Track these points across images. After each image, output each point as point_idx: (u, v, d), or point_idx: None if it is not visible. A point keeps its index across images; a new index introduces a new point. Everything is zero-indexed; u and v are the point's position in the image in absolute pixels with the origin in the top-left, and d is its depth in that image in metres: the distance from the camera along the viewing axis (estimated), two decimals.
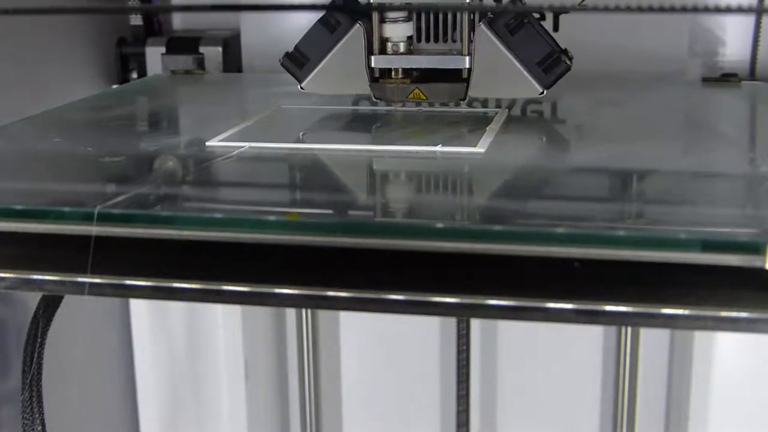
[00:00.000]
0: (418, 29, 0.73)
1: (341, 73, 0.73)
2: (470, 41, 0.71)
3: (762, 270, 0.44)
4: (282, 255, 0.49)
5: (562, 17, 0.95)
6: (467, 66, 0.71)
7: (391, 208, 0.56)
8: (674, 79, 0.94)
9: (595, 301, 0.46)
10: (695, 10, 0.49)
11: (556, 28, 0.95)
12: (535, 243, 0.46)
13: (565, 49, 0.71)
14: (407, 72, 0.73)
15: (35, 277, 0.51)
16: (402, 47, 0.72)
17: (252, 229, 0.49)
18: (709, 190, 0.58)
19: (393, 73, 0.73)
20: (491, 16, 0.70)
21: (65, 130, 0.76)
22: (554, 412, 1.13)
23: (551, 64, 0.70)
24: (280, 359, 1.18)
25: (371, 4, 0.71)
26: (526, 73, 0.70)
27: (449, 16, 0.72)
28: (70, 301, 0.67)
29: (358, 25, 0.72)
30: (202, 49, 1.06)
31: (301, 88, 0.74)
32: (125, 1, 1.12)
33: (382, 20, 0.71)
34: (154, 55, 1.08)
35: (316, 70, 0.73)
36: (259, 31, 1.03)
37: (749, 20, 0.96)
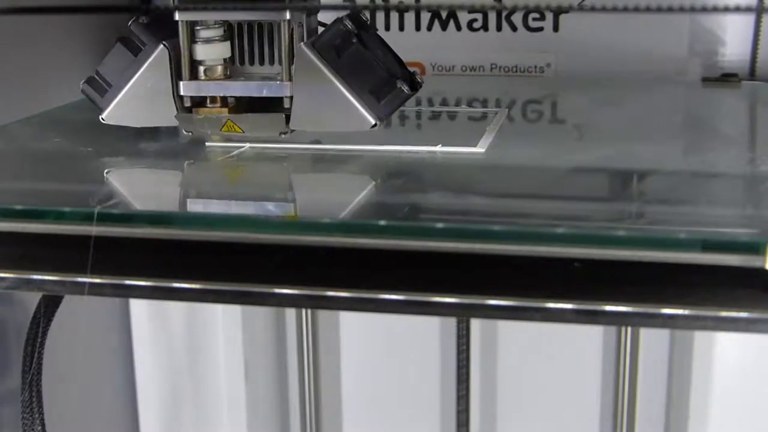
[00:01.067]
0: (240, 49, 0.63)
1: (146, 101, 0.62)
2: (291, 63, 0.60)
3: (762, 270, 0.44)
4: (282, 255, 0.49)
5: (562, 17, 0.95)
6: (288, 94, 0.60)
7: (390, 208, 0.56)
8: (674, 79, 0.94)
9: (595, 301, 0.46)
10: (695, 10, 0.49)
11: (556, 28, 0.95)
12: (535, 243, 0.46)
13: (413, 73, 0.62)
14: (225, 100, 0.62)
15: (35, 277, 0.51)
16: (219, 71, 0.61)
17: (252, 229, 0.49)
18: (709, 190, 0.58)
19: (209, 102, 0.62)
20: (315, 34, 0.61)
21: (65, 130, 0.76)
22: (554, 412, 1.13)
23: (386, 91, 0.60)
24: (280, 359, 1.18)
25: (175, 6, 0.60)
26: (356, 103, 0.59)
27: (275, 33, 0.62)
28: (70, 301, 0.67)
29: (162, 45, 0.61)
30: None
31: (102, 119, 0.65)
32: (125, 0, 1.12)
33: (194, 40, 0.61)
34: None
35: (117, 99, 0.63)
36: None
37: (749, 20, 0.96)
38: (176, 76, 0.61)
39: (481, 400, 1.14)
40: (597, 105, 0.83)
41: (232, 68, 0.63)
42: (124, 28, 1.12)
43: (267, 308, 1.12)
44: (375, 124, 0.60)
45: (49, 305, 0.69)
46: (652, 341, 1.07)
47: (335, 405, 1.18)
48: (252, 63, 0.63)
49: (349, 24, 0.59)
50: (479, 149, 0.64)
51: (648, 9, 0.51)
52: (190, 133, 0.64)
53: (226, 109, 0.62)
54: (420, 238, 0.47)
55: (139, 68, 0.62)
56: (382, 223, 0.48)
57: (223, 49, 0.61)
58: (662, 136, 0.72)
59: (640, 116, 0.78)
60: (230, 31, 0.62)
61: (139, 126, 0.65)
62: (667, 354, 1.07)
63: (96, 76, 0.64)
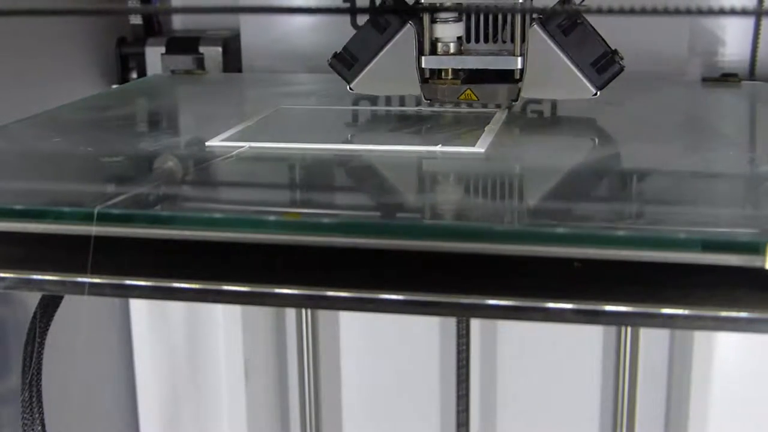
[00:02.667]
0: (468, 29, 0.73)
1: (391, 73, 0.72)
2: (522, 42, 0.70)
3: (762, 270, 0.44)
4: (282, 255, 0.49)
5: None
6: (520, 66, 0.71)
7: (390, 208, 0.56)
8: (674, 79, 0.94)
9: (594, 301, 0.46)
10: (695, 12, 0.49)
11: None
12: (535, 243, 0.46)
13: (616, 50, 0.71)
14: (456, 72, 0.72)
15: (35, 277, 0.51)
16: (452, 48, 0.71)
17: (252, 229, 0.49)
18: (709, 190, 0.58)
19: (443, 74, 0.72)
20: (544, 16, 0.70)
21: (65, 130, 0.76)
22: (554, 412, 1.13)
23: (605, 64, 0.70)
24: (280, 359, 1.18)
25: (421, 3, 0.71)
26: (579, 74, 0.69)
27: (500, 17, 0.72)
28: (70, 301, 0.67)
29: (409, 25, 0.71)
30: (202, 49, 1.06)
31: (350, 88, 0.74)
32: (125, 1, 1.12)
33: (433, 20, 0.71)
34: (154, 55, 1.08)
35: (365, 71, 0.73)
36: (258, 31, 1.03)
37: (749, 20, 0.96)
38: (419, 52, 0.71)
39: (481, 400, 1.14)
40: (597, 104, 0.83)
41: (464, 46, 0.73)
42: (124, 28, 1.12)
43: (267, 308, 1.12)
44: (596, 93, 0.70)
45: (49, 305, 0.69)
46: (652, 341, 1.07)
47: (335, 405, 1.18)
48: (477, 41, 0.73)
49: (576, 2, 0.71)
50: (479, 149, 0.64)
51: (648, 11, 0.51)
52: (429, 101, 0.74)
53: (459, 81, 0.72)
54: (420, 238, 0.47)
55: (386, 44, 0.71)
56: (382, 223, 0.48)
57: (458, 29, 0.71)
58: (663, 135, 0.72)
59: (640, 116, 0.78)
60: (461, 13, 0.71)
61: (383, 95, 0.75)
62: (667, 354, 1.07)
63: (343, 52, 0.73)
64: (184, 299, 0.51)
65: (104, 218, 0.50)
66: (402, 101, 0.78)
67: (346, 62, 0.73)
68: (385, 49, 0.72)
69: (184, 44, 1.08)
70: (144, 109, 0.92)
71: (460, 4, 0.70)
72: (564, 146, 0.71)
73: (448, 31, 0.71)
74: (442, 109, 0.77)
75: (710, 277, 0.45)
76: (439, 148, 0.64)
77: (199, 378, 1.13)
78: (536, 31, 0.69)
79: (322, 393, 1.15)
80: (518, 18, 0.70)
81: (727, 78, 0.92)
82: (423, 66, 0.72)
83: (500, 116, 0.74)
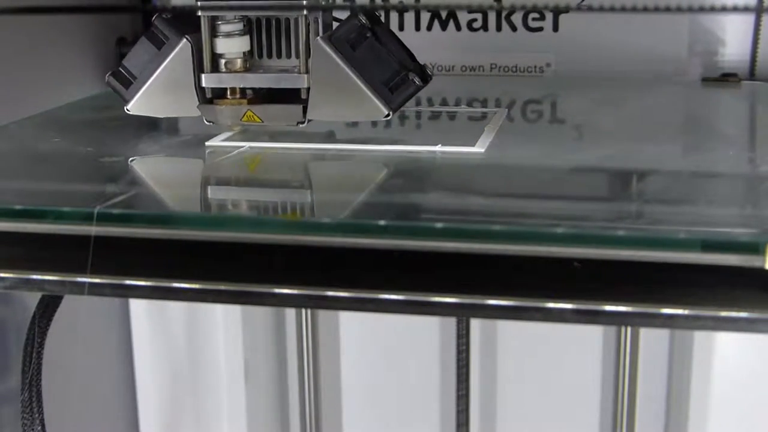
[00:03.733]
0: (260, 42, 0.66)
1: (170, 93, 0.66)
2: (308, 57, 0.63)
3: (762, 270, 0.44)
4: (282, 255, 0.49)
5: (562, 17, 0.95)
6: (305, 85, 0.63)
7: (389, 208, 0.56)
8: (674, 79, 0.94)
9: (594, 301, 0.46)
10: (695, 10, 0.49)
11: (555, 28, 0.95)
12: (535, 243, 0.46)
13: (423, 66, 0.65)
14: (244, 92, 0.65)
15: (35, 277, 0.51)
16: (239, 64, 0.64)
17: (252, 229, 0.49)
18: (709, 190, 0.58)
19: (229, 93, 0.65)
20: (331, 28, 0.64)
21: (65, 130, 0.76)
22: (554, 412, 1.13)
23: (398, 83, 0.63)
24: (280, 359, 1.18)
25: (198, 7, 0.63)
26: (370, 94, 0.63)
27: (291, 28, 0.65)
28: (70, 301, 0.67)
29: (185, 40, 0.64)
30: None
31: (127, 110, 0.67)
32: (125, 0, 1.12)
33: (214, 34, 0.64)
34: None
35: (142, 91, 0.66)
36: None
37: (749, 20, 0.96)
38: (198, 69, 0.65)
39: (481, 400, 1.14)
40: (597, 105, 0.83)
41: (251, 61, 0.66)
42: (123, 28, 1.12)
43: (267, 308, 1.12)
44: (388, 114, 0.63)
45: (49, 305, 0.69)
46: (652, 341, 1.07)
47: (335, 405, 1.18)
48: (270, 56, 0.66)
49: (363, 19, 0.62)
50: (479, 149, 0.64)
51: (648, 9, 0.51)
52: (212, 123, 0.66)
53: (245, 101, 0.65)
54: (420, 238, 0.47)
55: (162, 61, 0.65)
56: (382, 223, 0.48)
57: (242, 43, 0.64)
58: (662, 135, 0.72)
59: (640, 116, 0.78)
60: (249, 26, 0.65)
61: (162, 116, 0.68)
62: (667, 354, 1.07)
63: (121, 69, 0.67)
64: (184, 299, 0.51)
65: (104, 218, 0.50)
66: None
67: (125, 80, 0.67)
68: (162, 67, 0.65)
69: None
70: None
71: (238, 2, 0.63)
72: (564, 146, 0.71)
73: (232, 45, 0.64)
74: (442, 109, 0.77)
75: (710, 277, 0.45)
76: (438, 148, 0.64)
77: (199, 378, 1.13)
78: (320, 45, 0.62)
79: (322, 393, 1.15)
80: (302, 28, 0.63)
81: (727, 78, 0.92)
82: (202, 85, 0.65)
83: (500, 116, 0.74)
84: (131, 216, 0.50)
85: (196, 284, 0.49)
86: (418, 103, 0.78)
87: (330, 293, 0.48)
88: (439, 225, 0.48)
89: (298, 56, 0.64)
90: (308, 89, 0.64)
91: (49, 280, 0.51)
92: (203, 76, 0.65)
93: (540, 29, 0.96)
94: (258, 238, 0.49)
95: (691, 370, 0.98)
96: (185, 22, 0.65)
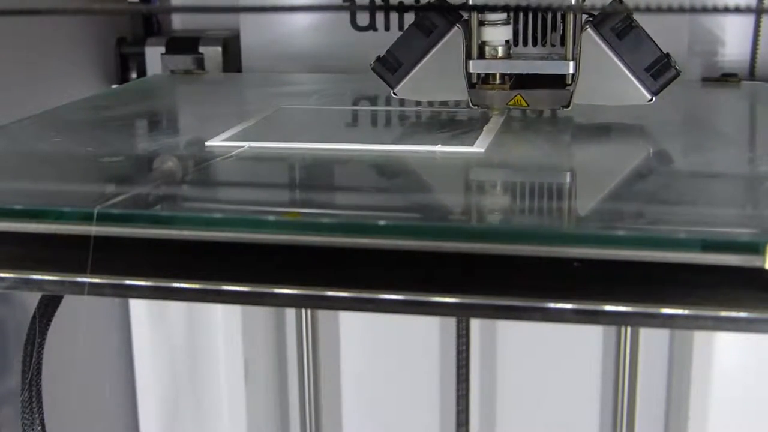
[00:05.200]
0: (516, 32, 0.70)
1: (436, 78, 0.70)
2: (574, 45, 0.67)
3: (762, 270, 0.44)
4: (282, 255, 0.49)
5: None
6: (572, 71, 0.68)
7: (390, 208, 0.56)
8: None
9: (594, 301, 0.46)
10: (695, 10, 0.49)
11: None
12: (535, 243, 0.46)
13: (668, 54, 0.69)
14: (503, 77, 0.70)
15: (35, 277, 0.51)
16: (500, 51, 0.68)
17: (252, 229, 0.49)
18: (709, 190, 0.58)
19: (490, 79, 0.69)
20: (595, 19, 0.67)
21: (65, 130, 0.76)
22: (554, 412, 1.13)
23: (660, 69, 0.67)
24: (280, 359, 1.18)
25: (469, 3, 0.68)
26: (634, 80, 0.67)
27: (549, 19, 0.70)
28: (70, 301, 0.67)
29: (456, 27, 0.68)
30: (201, 49, 1.07)
31: (394, 93, 0.71)
32: (125, 1, 1.12)
33: (481, 23, 0.68)
34: (154, 55, 1.08)
35: (409, 76, 0.70)
36: (258, 31, 1.03)
37: (749, 20, 0.96)
38: (466, 56, 0.68)
39: (481, 400, 1.14)
40: (597, 105, 0.83)
41: (512, 49, 0.70)
42: (124, 28, 1.12)
43: (267, 308, 1.12)
44: (651, 99, 0.67)
45: (49, 305, 0.69)
46: (652, 341, 1.07)
47: (335, 405, 1.18)
48: (525, 44, 0.72)
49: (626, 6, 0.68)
50: (479, 149, 0.64)
51: (648, 9, 0.51)
52: (477, 107, 0.70)
53: (507, 86, 0.69)
54: (420, 238, 0.47)
55: (432, 47, 0.69)
56: (382, 223, 0.48)
57: (506, 32, 0.68)
58: (662, 135, 0.72)
59: (639, 116, 0.78)
60: (510, 16, 0.69)
61: (427, 100, 0.72)
62: (667, 354, 1.07)
63: (387, 55, 0.70)
64: (184, 299, 0.51)
65: (104, 218, 0.50)
66: (402, 101, 0.77)
67: (390, 66, 0.70)
68: (431, 53, 0.69)
69: (183, 44, 1.08)
70: (144, 109, 0.92)
71: (508, 5, 0.66)
72: (564, 146, 0.71)
73: (497, 34, 0.68)
74: (442, 109, 0.77)
75: (710, 277, 0.45)
76: (438, 148, 0.64)
77: (198, 378, 1.13)
78: (589, 35, 0.67)
79: (322, 393, 1.15)
80: (570, 20, 0.67)
81: (727, 78, 0.92)
82: (470, 70, 0.69)
83: (500, 116, 0.74)
84: (131, 216, 0.50)
85: (196, 284, 0.49)
86: (417, 103, 0.78)
87: (330, 293, 0.48)
88: (439, 225, 0.48)
89: (553, 45, 0.70)
90: (573, 75, 0.67)
91: (49, 280, 0.51)
92: (470, 62, 0.68)
93: None
94: (258, 238, 0.49)
95: (691, 370, 0.98)
96: (450, 12, 0.70)
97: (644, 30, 0.67)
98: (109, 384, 1.15)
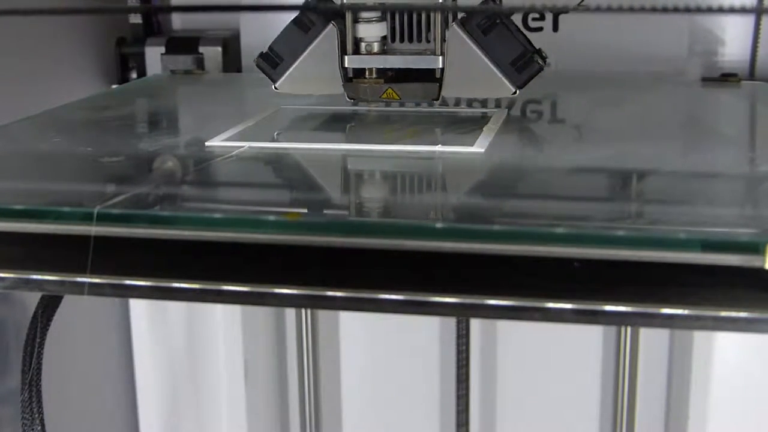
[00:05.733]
0: (393, 29, 0.73)
1: (315, 73, 0.73)
2: (443, 41, 0.71)
3: (762, 270, 0.44)
4: (282, 255, 0.49)
5: (562, 17, 0.95)
6: (440, 66, 0.71)
7: (390, 208, 0.56)
8: (674, 79, 0.94)
9: (594, 301, 0.46)
10: (695, 10, 0.49)
11: (555, 28, 0.95)
12: (535, 243, 0.46)
13: (539, 49, 0.71)
14: (381, 72, 0.73)
15: (35, 277, 0.51)
16: (376, 47, 0.72)
17: (252, 229, 0.49)
18: (709, 190, 0.58)
19: (367, 73, 0.73)
20: (464, 16, 0.70)
21: (65, 130, 0.76)
22: (554, 412, 1.13)
23: (524, 63, 0.70)
24: (280, 359, 1.18)
25: (344, 4, 0.71)
26: (498, 73, 0.70)
27: (423, 17, 0.72)
28: (70, 301, 0.67)
29: (331, 25, 0.72)
30: (201, 49, 1.07)
31: (275, 88, 0.74)
32: (125, 1, 1.12)
33: (356, 20, 0.71)
34: (154, 55, 1.08)
35: (290, 71, 0.74)
36: (258, 31, 1.03)
37: (749, 20, 0.96)
38: (342, 51, 0.72)
39: (481, 400, 1.14)
40: (597, 105, 0.83)
41: (387, 45, 0.73)
42: (124, 27, 1.12)
43: (267, 308, 1.12)
44: (515, 92, 0.70)
45: (49, 305, 0.69)
46: (652, 341, 1.07)
47: (335, 405, 1.18)
48: (402, 41, 0.74)
49: (496, 1, 0.72)
50: (479, 149, 0.64)
51: (648, 9, 0.51)
52: (353, 100, 0.74)
53: (382, 80, 0.72)
54: (420, 238, 0.47)
55: (309, 44, 0.72)
56: (382, 223, 0.48)
57: (381, 28, 0.72)
58: (662, 135, 0.72)
59: (640, 116, 0.78)
60: (385, 13, 0.72)
61: (307, 94, 0.75)
62: (667, 354, 1.07)
63: (269, 51, 0.74)
64: (184, 299, 0.51)
65: (104, 218, 0.50)
66: (401, 102, 0.77)
67: (272, 62, 0.74)
68: (309, 49, 0.73)
69: (183, 44, 1.08)
70: (144, 109, 0.92)
71: (383, 3, 0.70)
72: (564, 146, 0.71)
73: (372, 30, 0.72)
74: (442, 109, 0.77)
75: (710, 277, 0.45)
76: (438, 148, 0.64)
77: (198, 378, 1.13)
78: (456, 31, 0.70)
79: (322, 393, 1.15)
80: (439, 17, 0.71)
81: (727, 78, 0.92)
82: (346, 65, 0.72)
83: (500, 116, 0.74)
84: (131, 216, 0.50)
85: (196, 284, 0.49)
86: (418, 103, 0.78)
87: (330, 293, 0.48)
88: (439, 225, 0.48)
89: (428, 41, 0.72)
90: (442, 69, 0.71)
91: (49, 280, 0.51)
92: (346, 57, 0.72)
93: (540, 29, 0.96)
94: (258, 238, 0.49)
95: (691, 370, 0.98)
96: (328, 10, 0.73)
97: (513, 26, 0.70)
98: (109, 384, 1.15)
